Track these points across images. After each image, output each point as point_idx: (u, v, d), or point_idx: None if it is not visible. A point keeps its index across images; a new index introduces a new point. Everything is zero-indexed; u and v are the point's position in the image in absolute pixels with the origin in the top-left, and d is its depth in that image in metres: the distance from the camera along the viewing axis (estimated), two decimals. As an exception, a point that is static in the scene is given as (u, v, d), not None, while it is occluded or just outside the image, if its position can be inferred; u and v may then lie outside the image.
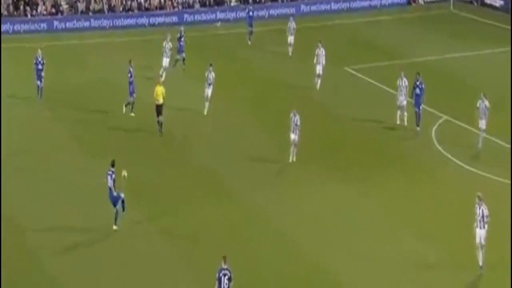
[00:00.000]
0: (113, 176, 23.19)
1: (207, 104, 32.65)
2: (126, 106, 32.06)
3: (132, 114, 32.63)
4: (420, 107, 31.17)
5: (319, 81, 35.63)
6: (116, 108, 31.94)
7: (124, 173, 22.63)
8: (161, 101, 30.08)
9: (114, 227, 23.06)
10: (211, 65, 32.70)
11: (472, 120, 31.15)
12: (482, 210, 21.10)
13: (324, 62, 35.39)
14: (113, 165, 23.39)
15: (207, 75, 32.48)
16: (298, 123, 28.02)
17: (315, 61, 35.50)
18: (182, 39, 37.90)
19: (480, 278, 21.21)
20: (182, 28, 38.68)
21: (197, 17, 47.84)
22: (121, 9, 47.55)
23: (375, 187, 26.48)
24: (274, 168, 28.18)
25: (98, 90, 35.42)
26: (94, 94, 34.84)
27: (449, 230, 23.70)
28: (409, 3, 52.71)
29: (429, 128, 31.55)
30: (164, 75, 36.03)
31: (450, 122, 32.40)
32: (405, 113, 31.81)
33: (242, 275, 19.75)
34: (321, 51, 35.48)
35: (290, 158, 28.03)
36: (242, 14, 47.32)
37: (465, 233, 22.54)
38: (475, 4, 51.82)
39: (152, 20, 46.93)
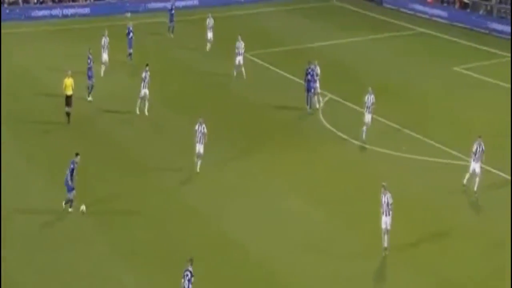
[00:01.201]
0: (73, 166, 23.75)
1: (146, 103, 32.16)
2: (89, 94, 33.49)
3: (90, 99, 33.58)
4: (312, 91, 32.89)
5: (242, 70, 37.17)
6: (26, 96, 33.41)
7: (83, 208, 22.90)
8: (70, 92, 30.81)
9: (70, 210, 23.98)
10: (147, 65, 32.64)
11: (354, 99, 33.47)
12: (387, 199, 22.10)
13: (243, 53, 37.22)
14: (77, 155, 24.13)
15: (144, 75, 32.15)
16: (205, 131, 26.97)
17: (236, 51, 37.16)
18: (131, 34, 39.19)
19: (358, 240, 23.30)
20: (130, 23, 40.14)
21: (108, 9, 50.35)
22: (35, 1, 48.99)
23: (274, 160, 28.49)
24: (181, 133, 29.93)
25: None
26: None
27: (336, 194, 25.86)
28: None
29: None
30: (103, 69, 36.58)
31: (335, 100, 34.48)
32: (317, 100, 33.64)
33: (152, 244, 22.41)
34: (241, 44, 37.32)
35: (197, 169, 27.01)
36: (153, 5, 50.39)
37: (347, 196, 25.56)
38: (354, -4, 57.26)
39: (65, 11, 48.85)
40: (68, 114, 31.13)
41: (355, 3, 54.98)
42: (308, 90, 33.36)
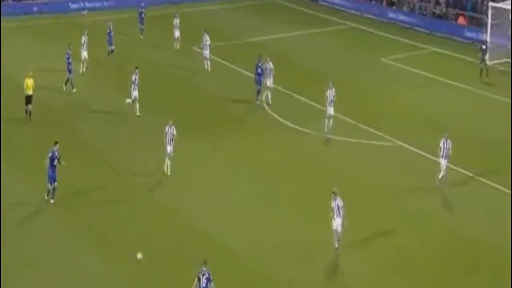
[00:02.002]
0: (51, 155, 24.55)
1: (137, 105, 32.63)
2: (65, 84, 35.45)
3: (74, 90, 35.49)
4: (261, 85, 34.24)
5: (208, 63, 39.25)
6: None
7: (140, 256, 21.11)
8: (30, 92, 31.67)
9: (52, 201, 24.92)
10: (136, 68, 33.23)
11: (296, 88, 36.06)
12: (337, 203, 22.13)
13: (208, 46, 39.22)
14: (56, 143, 24.95)
15: (134, 78, 32.64)
16: (174, 132, 27.32)
17: (201, 46, 39.66)
18: (111, 33, 40.96)
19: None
20: (110, 23, 41.75)
21: (68, 5, 52.72)
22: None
23: (222, 145, 30.42)
24: (148, 128, 31.27)
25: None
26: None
27: (277, 172, 27.90)
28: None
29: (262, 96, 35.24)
30: (84, 67, 38.13)
31: (278, 90, 35.78)
32: (270, 93, 34.91)
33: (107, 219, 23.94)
34: (206, 38, 39.42)
35: (165, 169, 27.48)
36: (110, 3, 53.03)
37: (285, 172, 27.58)
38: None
39: (26, 8, 51.20)
40: (28, 112, 31.92)
41: (294, 1, 57.75)
42: (258, 83, 34.57)
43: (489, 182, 26.92)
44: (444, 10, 49.02)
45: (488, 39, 40.35)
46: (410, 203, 25.67)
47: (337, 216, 22.14)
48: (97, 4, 53.62)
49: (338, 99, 31.32)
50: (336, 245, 22.42)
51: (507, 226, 23.61)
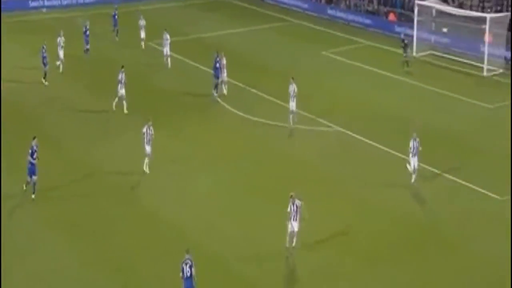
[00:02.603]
0: (31, 150, 25.10)
1: (124, 103, 33.49)
2: (44, 78, 37.42)
3: (46, 83, 37.22)
4: (219, 79, 35.69)
5: (168, 59, 40.84)
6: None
7: None
8: None
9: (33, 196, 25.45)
10: (122, 67, 34.11)
11: (247, 81, 37.90)
12: (296, 205, 21.86)
13: (169, 45, 40.78)
14: (34, 138, 25.60)
15: (121, 77, 33.36)
16: (152, 132, 27.68)
17: (163, 44, 41.23)
18: (87, 32, 42.67)
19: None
20: (87, 22, 43.58)
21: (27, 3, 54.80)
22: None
23: (178, 132, 32.23)
24: (108, 119, 33.42)
25: None
26: None
27: (228, 158, 29.39)
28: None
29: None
30: (61, 66, 39.55)
31: (230, 83, 37.31)
32: (225, 86, 36.40)
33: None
34: (166, 36, 40.98)
35: (144, 168, 27.88)
36: (67, 2, 54.87)
37: (235, 158, 29.14)
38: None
39: None
40: None
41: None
42: (216, 77, 35.92)
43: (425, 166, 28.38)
44: (376, 7, 52.71)
45: (415, 33, 44.24)
46: (356, 190, 26.99)
47: (294, 219, 21.88)
48: (55, 2, 55.24)
49: (284, 90, 33.18)
50: (289, 244, 22.10)
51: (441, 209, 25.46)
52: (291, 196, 22.07)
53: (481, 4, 46.41)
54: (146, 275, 21.68)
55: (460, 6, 46.29)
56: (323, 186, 27.15)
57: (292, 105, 32.07)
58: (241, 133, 32.53)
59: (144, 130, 27.74)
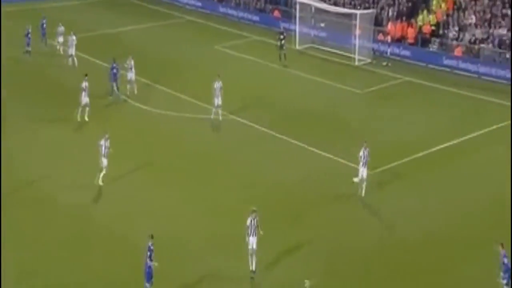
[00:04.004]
0: None
1: (87, 109, 33.94)
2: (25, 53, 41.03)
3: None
4: (117, 82, 36.90)
5: (74, 59, 42.12)
6: None
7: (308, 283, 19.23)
8: None
9: None
10: (86, 75, 34.69)
11: (148, 76, 39.82)
12: (252, 221, 21.50)
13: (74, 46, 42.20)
14: None
15: (84, 85, 33.84)
16: (108, 145, 27.48)
17: (67, 44, 42.75)
18: (29, 35, 43.82)
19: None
20: (29, 26, 44.37)
21: None
22: None
23: (86, 129, 33.56)
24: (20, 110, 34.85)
25: None
26: None
27: (141, 148, 31.18)
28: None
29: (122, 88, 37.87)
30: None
31: (139, 81, 38.97)
32: (134, 85, 37.86)
33: None
34: (72, 38, 42.49)
35: (98, 181, 27.56)
36: None
37: (148, 150, 30.58)
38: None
39: None
40: None
41: None
42: (114, 81, 36.90)
43: (304, 145, 31.98)
44: (263, 5, 56.53)
45: (297, 28, 48.39)
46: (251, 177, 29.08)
47: (252, 235, 21.62)
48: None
49: (181, 83, 35.84)
50: (253, 268, 21.77)
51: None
52: (253, 210, 21.89)
53: (352, 2, 51.42)
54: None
55: (335, 3, 50.89)
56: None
57: (217, 100, 33.72)
58: (155, 129, 33.98)
59: (102, 142, 27.57)
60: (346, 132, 34.43)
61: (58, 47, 45.64)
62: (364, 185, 26.89)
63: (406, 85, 42.03)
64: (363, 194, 26.94)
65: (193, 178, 29.27)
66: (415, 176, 29.21)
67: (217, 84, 34.23)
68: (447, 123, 35.70)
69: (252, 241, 21.67)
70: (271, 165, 30.54)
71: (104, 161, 27.65)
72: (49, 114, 35.64)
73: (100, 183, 27.75)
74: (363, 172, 26.56)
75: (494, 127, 35.11)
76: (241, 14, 57.45)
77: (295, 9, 49.60)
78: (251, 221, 21.76)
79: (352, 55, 45.70)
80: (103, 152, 27.55)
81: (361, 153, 26.66)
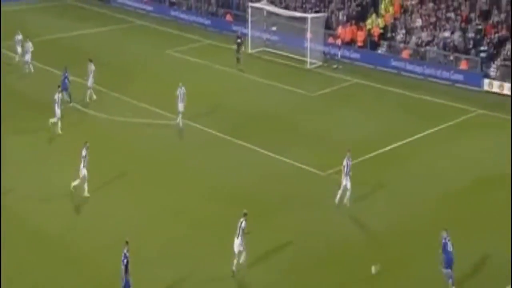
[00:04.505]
0: None
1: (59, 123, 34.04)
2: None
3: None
4: (67, 90, 37.21)
5: (30, 66, 42.94)
6: None
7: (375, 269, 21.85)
8: None
9: None
10: (59, 86, 35.53)
11: (105, 84, 39.90)
12: (240, 223, 22.57)
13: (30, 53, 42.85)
14: None
15: (57, 96, 34.12)
16: (85, 153, 27.77)
17: (25, 50, 43.31)
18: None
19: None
20: (19, 34, 44.75)
21: None
22: None
23: (37, 135, 34.40)
24: None
25: None
26: None
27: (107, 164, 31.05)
28: (37, -4, 64.15)
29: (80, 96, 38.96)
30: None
31: (74, 81, 39.22)
32: (92, 93, 38.81)
33: None
34: (28, 44, 43.16)
35: (84, 193, 28.04)
36: None
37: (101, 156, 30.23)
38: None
39: None
40: None
41: (86, 2, 64.47)
42: (65, 90, 37.35)
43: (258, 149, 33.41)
44: (215, 9, 57.80)
45: (249, 32, 49.93)
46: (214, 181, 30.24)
47: (237, 237, 22.62)
48: None
49: (134, 89, 36.74)
50: (234, 268, 22.74)
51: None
52: (244, 214, 22.93)
53: (303, 6, 53.32)
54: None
55: (286, 7, 52.62)
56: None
57: (181, 106, 34.90)
58: (109, 136, 34.71)
59: (83, 153, 28.02)
60: (299, 135, 35.93)
61: (17, 58, 45.60)
62: (348, 194, 27.30)
63: (356, 87, 44.01)
64: (348, 204, 27.43)
65: (150, 184, 30.00)
66: (367, 177, 30.84)
67: (180, 90, 35.24)
68: (396, 123, 37.68)
69: (236, 243, 22.66)
70: (224, 170, 31.51)
71: (84, 171, 27.91)
72: (8, 125, 35.77)
73: (87, 194, 28.23)
74: (346, 181, 26.86)
75: (441, 126, 37.17)
76: (192, 18, 58.52)
77: (247, 13, 51.06)
78: (240, 223, 22.76)
79: (303, 58, 47.36)
80: (83, 163, 27.83)
81: (344, 162, 26.87)
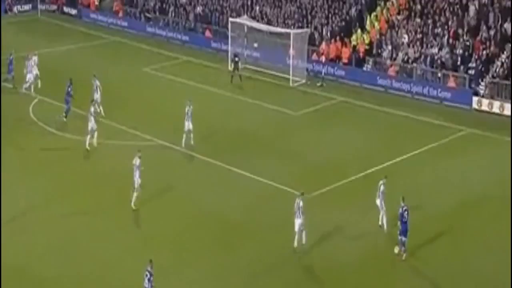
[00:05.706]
0: None
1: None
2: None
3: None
4: (69, 105, 39.23)
5: (27, 85, 43.54)
6: None
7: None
8: None
9: None
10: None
11: (79, 104, 39.35)
12: (298, 203, 25.60)
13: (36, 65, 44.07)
14: None
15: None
16: (138, 163, 29.62)
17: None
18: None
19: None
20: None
21: None
22: None
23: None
24: None
25: None
26: None
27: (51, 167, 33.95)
28: (6, 11, 66.12)
29: (26, 107, 41.10)
30: (32, 87, 43.04)
31: (43, 101, 42.06)
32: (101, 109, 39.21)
33: None
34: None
35: (132, 205, 30.02)
36: None
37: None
38: (57, 12, 67.50)
39: None
40: None
41: (58, 18, 65.35)
42: (67, 102, 39.67)
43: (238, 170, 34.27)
44: (193, 24, 58.55)
45: (229, 48, 50.61)
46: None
47: (298, 217, 25.78)
48: None
49: (110, 109, 37.58)
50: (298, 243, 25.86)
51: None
52: (302, 193, 26.55)
53: (286, 21, 54.29)
54: None
55: (268, 23, 53.61)
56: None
57: (188, 124, 35.89)
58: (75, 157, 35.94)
59: (136, 161, 29.77)
60: (280, 155, 36.71)
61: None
62: (381, 216, 28.75)
63: (341, 105, 44.94)
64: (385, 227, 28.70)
65: (124, 208, 30.58)
66: (352, 198, 31.58)
67: (188, 109, 36.01)
68: (383, 143, 38.52)
69: (297, 223, 25.86)
70: (203, 192, 32.40)
71: (138, 181, 29.58)
72: None
73: (133, 206, 29.99)
74: (380, 204, 28.41)
75: (429, 146, 38.05)
76: (170, 34, 59.30)
77: (227, 28, 51.92)
78: (297, 203, 25.89)
79: (287, 76, 48.21)
80: (136, 172, 29.39)
81: (381, 189, 28.44)
